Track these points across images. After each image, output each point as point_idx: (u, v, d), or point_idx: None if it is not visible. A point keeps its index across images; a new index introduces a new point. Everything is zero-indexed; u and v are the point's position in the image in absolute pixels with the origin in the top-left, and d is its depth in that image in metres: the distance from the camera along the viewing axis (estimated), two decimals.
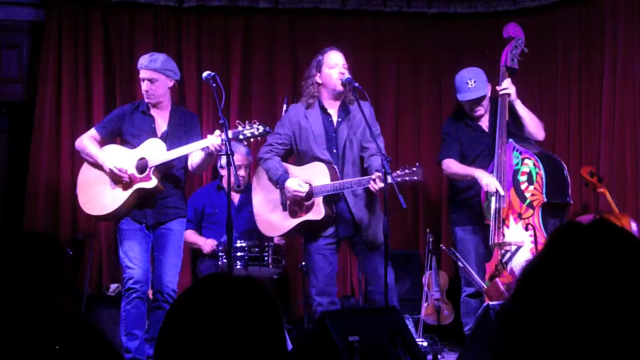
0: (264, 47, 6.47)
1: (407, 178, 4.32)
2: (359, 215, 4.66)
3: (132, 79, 6.19)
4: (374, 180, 4.37)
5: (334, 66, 4.72)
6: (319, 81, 4.75)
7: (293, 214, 4.74)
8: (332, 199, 4.68)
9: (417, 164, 4.38)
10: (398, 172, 4.35)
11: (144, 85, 4.84)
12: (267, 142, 4.84)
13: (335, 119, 4.75)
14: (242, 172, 5.55)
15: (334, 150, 4.70)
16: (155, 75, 4.81)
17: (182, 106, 5.45)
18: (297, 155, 4.83)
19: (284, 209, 4.76)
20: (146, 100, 4.86)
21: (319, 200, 4.64)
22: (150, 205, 4.77)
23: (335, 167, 4.67)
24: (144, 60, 4.87)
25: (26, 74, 6.25)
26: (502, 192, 4.76)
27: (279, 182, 4.72)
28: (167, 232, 4.79)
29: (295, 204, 4.73)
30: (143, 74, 4.83)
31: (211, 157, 4.71)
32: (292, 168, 4.82)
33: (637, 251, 1.07)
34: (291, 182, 4.66)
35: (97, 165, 4.81)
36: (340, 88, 4.70)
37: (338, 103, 4.75)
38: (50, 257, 1.85)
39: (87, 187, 4.86)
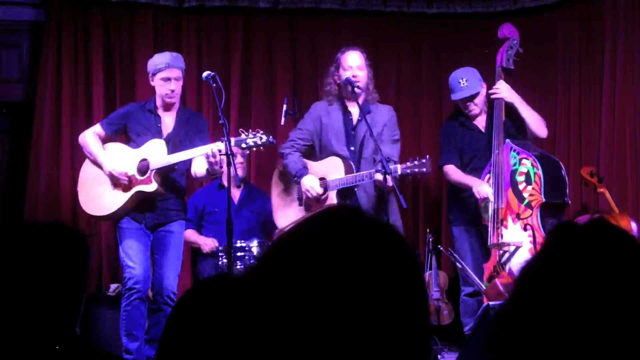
0: (264, 47, 6.47)
1: (417, 170, 4.38)
2: (367, 209, 4.69)
3: (132, 79, 6.20)
4: (380, 173, 4.40)
5: (348, 68, 4.79)
6: (338, 81, 4.81)
7: (308, 209, 4.81)
8: (346, 195, 4.73)
9: (426, 156, 4.43)
10: (407, 163, 4.39)
11: (171, 85, 4.72)
12: (289, 137, 4.98)
13: (355, 117, 4.82)
14: (239, 159, 5.50)
15: (352, 148, 4.76)
16: (180, 74, 4.79)
17: (188, 107, 5.42)
18: (317, 150, 4.90)
19: (300, 204, 4.83)
20: (168, 100, 4.78)
21: (332, 195, 4.73)
22: (150, 208, 4.76)
23: (352, 163, 4.71)
24: (167, 59, 4.76)
25: (26, 74, 6.25)
26: (491, 199, 4.77)
27: (296, 176, 4.82)
28: (167, 234, 4.79)
29: (309, 199, 4.81)
30: (170, 73, 4.72)
31: (211, 175, 4.74)
32: (310, 163, 4.91)
33: (634, 251, 1.07)
34: (308, 179, 4.75)
35: (97, 164, 4.81)
36: (346, 88, 4.75)
37: (356, 102, 4.79)
38: (72, 247, 1.75)
39: (88, 185, 4.85)
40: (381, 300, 0.98)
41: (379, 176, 4.43)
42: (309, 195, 4.74)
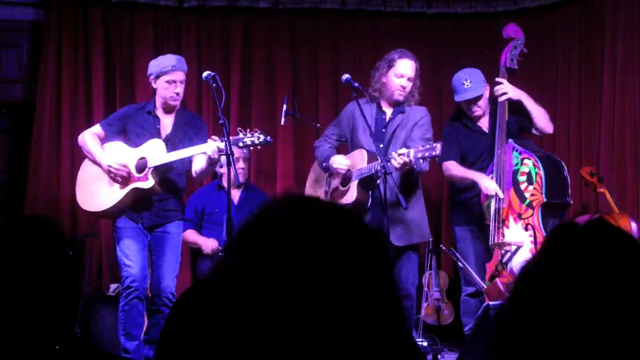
0: (264, 47, 6.46)
1: (427, 154, 4.39)
2: (389, 201, 4.69)
3: (132, 79, 6.20)
4: (395, 159, 4.42)
5: (399, 76, 4.83)
6: (384, 80, 4.82)
7: (333, 201, 4.86)
8: (369, 186, 4.76)
9: (438, 141, 4.48)
10: (419, 148, 4.41)
11: (177, 88, 4.74)
12: (324, 133, 5.18)
13: (388, 116, 4.90)
14: (241, 164, 5.54)
15: (381, 145, 4.78)
16: (184, 76, 4.80)
17: (188, 109, 5.43)
18: (349, 146, 5.02)
19: (326, 197, 4.94)
20: (172, 103, 4.79)
21: (354, 185, 4.81)
22: (147, 208, 4.76)
23: (378, 157, 4.74)
24: (173, 61, 4.76)
25: (26, 74, 6.25)
26: (501, 195, 4.77)
27: (325, 161, 4.96)
28: (164, 235, 4.79)
29: (335, 192, 4.92)
30: (175, 76, 4.73)
31: (212, 166, 4.73)
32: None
33: (634, 251, 1.07)
34: (335, 158, 4.91)
35: (96, 163, 4.81)
36: (396, 98, 4.85)
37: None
38: (47, 242, 1.69)
39: (86, 183, 4.86)
40: (346, 280, 0.99)
41: (396, 161, 4.43)
42: (340, 170, 4.87)
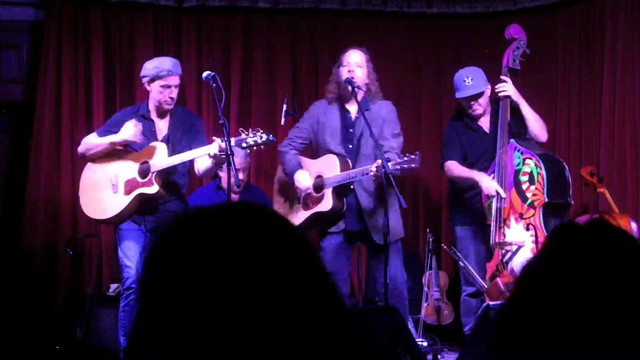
0: (264, 47, 6.47)
1: (405, 166, 4.37)
2: (366, 206, 4.69)
3: (132, 79, 6.19)
4: (377, 168, 4.40)
5: (345, 65, 4.81)
6: (337, 79, 4.83)
7: (305, 207, 4.84)
8: (343, 192, 4.75)
9: (416, 152, 4.43)
10: (397, 159, 4.40)
11: (172, 93, 4.70)
12: (288, 135, 5.05)
13: (353, 114, 4.84)
14: (240, 175, 5.50)
15: (350, 146, 4.76)
16: (179, 80, 4.76)
17: (180, 105, 5.41)
18: (315, 148, 4.96)
19: (298, 202, 4.87)
20: (167, 107, 4.75)
21: (328, 192, 4.75)
22: (151, 211, 4.74)
23: (349, 160, 4.72)
24: (168, 65, 4.71)
25: (26, 74, 6.25)
26: (503, 195, 4.77)
27: (290, 176, 4.87)
28: None
29: (307, 197, 4.84)
30: (171, 80, 4.68)
31: (217, 166, 4.72)
32: (305, 161, 4.95)
33: (634, 252, 1.07)
34: (299, 174, 4.81)
35: (113, 145, 4.73)
36: (347, 87, 4.75)
37: (356, 101, 4.79)
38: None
39: (89, 189, 4.84)
40: (274, 281, 0.99)
41: (373, 168, 4.42)
42: (299, 187, 4.80)
